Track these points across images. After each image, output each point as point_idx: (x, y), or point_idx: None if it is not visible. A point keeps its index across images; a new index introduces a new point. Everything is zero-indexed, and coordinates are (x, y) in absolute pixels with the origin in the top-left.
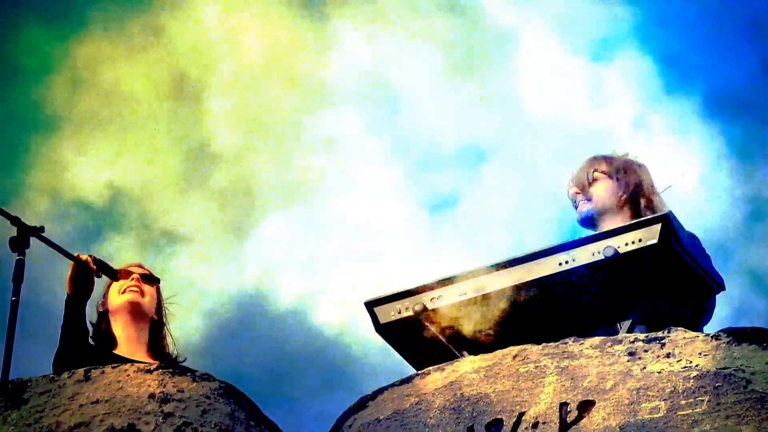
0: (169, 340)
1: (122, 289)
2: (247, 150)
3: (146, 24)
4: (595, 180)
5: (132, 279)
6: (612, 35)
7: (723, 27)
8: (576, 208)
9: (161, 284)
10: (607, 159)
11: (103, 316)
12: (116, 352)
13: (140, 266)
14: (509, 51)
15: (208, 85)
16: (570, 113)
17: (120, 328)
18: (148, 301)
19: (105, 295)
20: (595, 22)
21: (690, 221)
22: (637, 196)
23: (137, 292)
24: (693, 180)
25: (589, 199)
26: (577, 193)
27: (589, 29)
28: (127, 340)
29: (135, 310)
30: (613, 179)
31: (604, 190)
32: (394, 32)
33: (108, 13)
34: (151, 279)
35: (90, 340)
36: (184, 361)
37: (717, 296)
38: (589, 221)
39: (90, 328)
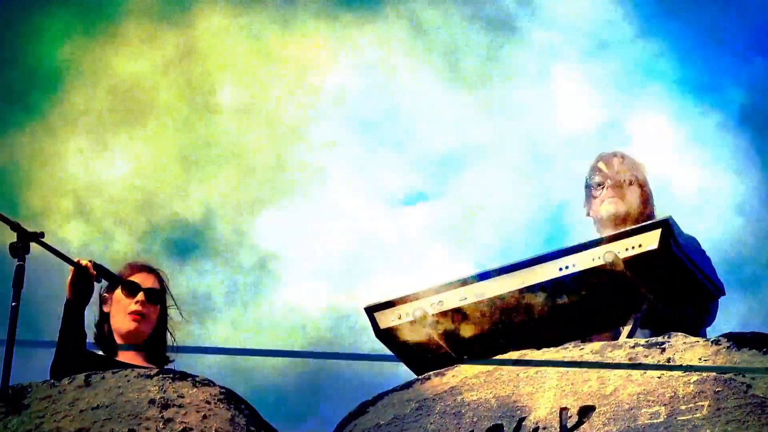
0: (169, 338)
1: (126, 312)
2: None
3: (177, 39)
4: (632, 183)
5: (137, 302)
6: (641, 46)
7: (755, 39)
8: (591, 196)
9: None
10: (639, 165)
11: (106, 317)
12: (118, 358)
13: (148, 272)
14: (539, 64)
15: (238, 100)
16: (597, 127)
17: (119, 338)
18: (148, 325)
19: (110, 296)
20: (621, 31)
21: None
22: (653, 212)
23: (139, 319)
24: (723, 193)
25: (622, 199)
26: (611, 187)
27: (615, 40)
28: (125, 350)
29: (134, 336)
30: (646, 189)
31: (637, 196)
32: (401, 40)
33: (143, 25)
34: (156, 298)
35: (93, 341)
36: (172, 361)
37: (735, 304)
38: (613, 221)
39: (93, 329)
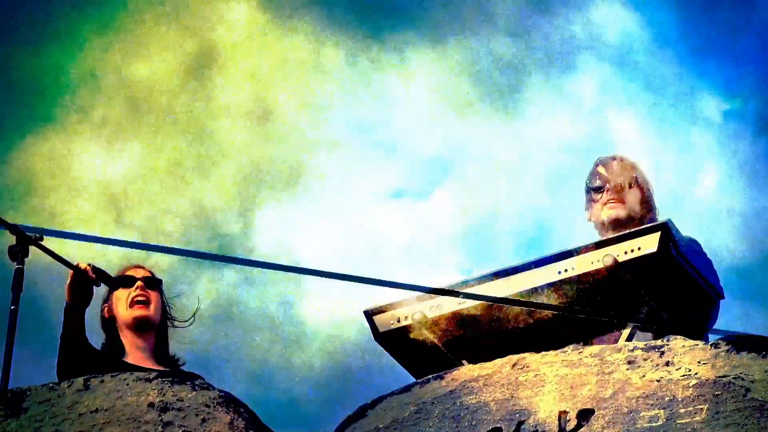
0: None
1: (129, 301)
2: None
3: (201, 46)
4: (631, 186)
5: (136, 288)
6: (658, 54)
7: None
8: (592, 200)
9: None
10: (639, 168)
11: (110, 322)
12: (126, 360)
13: (141, 267)
14: (548, 69)
15: (272, 109)
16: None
17: (127, 338)
18: (153, 310)
19: (109, 301)
20: (638, 39)
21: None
22: (655, 214)
23: (144, 304)
24: (740, 200)
25: (622, 203)
26: (611, 191)
27: (630, 48)
28: (134, 348)
29: (143, 324)
30: (645, 192)
31: (638, 199)
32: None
33: (160, 31)
34: (153, 283)
35: (100, 346)
36: (183, 363)
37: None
38: (614, 225)
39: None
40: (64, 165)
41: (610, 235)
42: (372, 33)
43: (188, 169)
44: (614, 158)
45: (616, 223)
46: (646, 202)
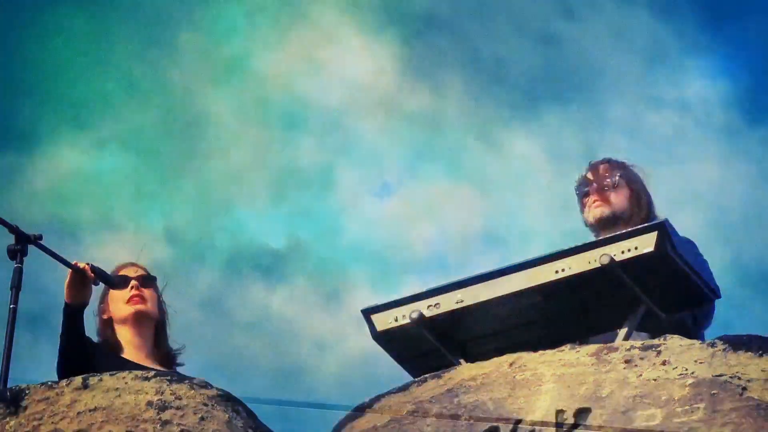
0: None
1: (125, 300)
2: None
3: (231, 53)
4: (616, 185)
5: (131, 288)
6: (688, 61)
7: None
8: (582, 203)
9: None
10: (628, 168)
11: (107, 323)
12: (124, 356)
13: (134, 265)
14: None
15: (296, 112)
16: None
17: (126, 336)
18: (150, 305)
19: (105, 303)
20: (666, 46)
21: None
22: (649, 213)
23: (139, 300)
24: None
25: (606, 202)
26: (595, 191)
27: (659, 55)
28: (133, 346)
29: (141, 319)
30: (634, 190)
31: (624, 199)
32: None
33: (197, 42)
34: (148, 280)
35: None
36: (181, 363)
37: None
38: (601, 224)
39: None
40: (96, 172)
41: (602, 235)
42: (394, 38)
43: (223, 175)
44: (602, 161)
45: (602, 222)
46: (637, 201)
